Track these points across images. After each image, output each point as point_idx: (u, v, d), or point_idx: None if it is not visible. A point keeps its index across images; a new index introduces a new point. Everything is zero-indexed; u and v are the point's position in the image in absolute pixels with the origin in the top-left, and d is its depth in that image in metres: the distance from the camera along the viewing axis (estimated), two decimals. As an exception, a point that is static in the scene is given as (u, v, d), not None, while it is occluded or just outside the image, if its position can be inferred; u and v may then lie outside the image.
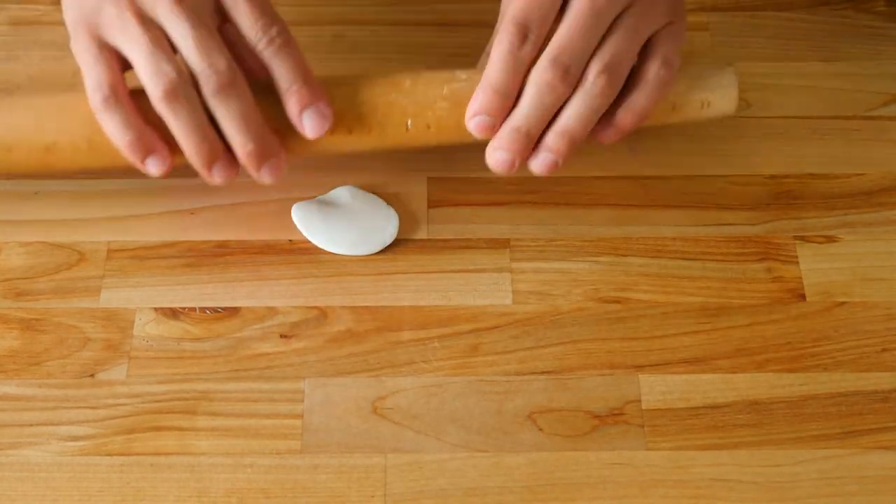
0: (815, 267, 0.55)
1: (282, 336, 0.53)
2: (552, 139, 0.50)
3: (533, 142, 0.50)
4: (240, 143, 0.50)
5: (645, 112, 0.51)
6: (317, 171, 0.58)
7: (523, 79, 0.49)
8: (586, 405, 0.51)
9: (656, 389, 0.51)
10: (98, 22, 0.49)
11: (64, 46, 0.56)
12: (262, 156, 0.50)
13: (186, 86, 0.48)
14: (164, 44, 0.48)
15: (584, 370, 0.52)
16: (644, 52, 0.50)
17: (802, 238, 0.56)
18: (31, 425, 0.50)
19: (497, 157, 0.51)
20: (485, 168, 0.58)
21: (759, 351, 0.53)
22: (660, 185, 0.58)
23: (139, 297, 0.54)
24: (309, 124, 0.50)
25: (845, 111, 0.61)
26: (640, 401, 0.51)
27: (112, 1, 0.49)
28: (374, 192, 0.57)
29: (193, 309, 0.54)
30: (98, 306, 0.54)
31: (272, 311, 0.54)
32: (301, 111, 0.50)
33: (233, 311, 0.54)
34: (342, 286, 0.55)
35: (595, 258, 0.55)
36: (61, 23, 0.57)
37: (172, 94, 0.48)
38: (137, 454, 0.49)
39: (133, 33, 0.48)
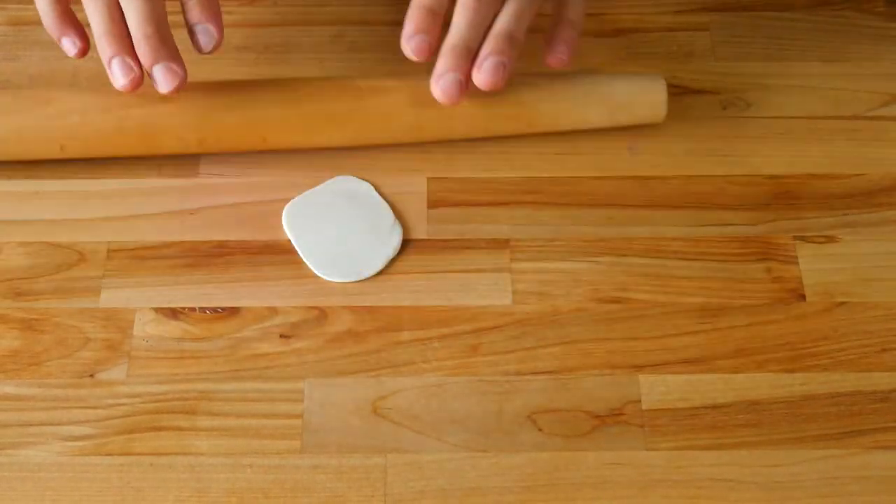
0: (815, 267, 0.55)
1: (282, 336, 0.53)
2: (491, 43, 0.52)
3: (472, 55, 0.52)
4: (138, 28, 0.52)
5: (575, 24, 0.54)
6: (317, 170, 0.58)
7: (449, 8, 0.52)
8: (586, 405, 0.51)
9: (656, 389, 0.51)
10: None
11: (64, 46, 0.56)
12: (160, 47, 0.52)
13: None
14: None
15: (584, 370, 0.52)
16: None
17: (802, 238, 0.56)
18: (31, 425, 0.50)
19: (444, 82, 0.51)
20: (485, 168, 0.58)
21: (759, 351, 0.53)
22: (660, 185, 0.58)
23: (139, 297, 0.54)
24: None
25: (845, 111, 0.61)
26: (640, 401, 0.51)
27: None
28: (377, 191, 0.57)
29: (193, 309, 0.54)
30: (98, 306, 0.54)
31: (272, 311, 0.54)
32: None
33: (233, 311, 0.54)
34: (342, 286, 0.55)
35: (595, 258, 0.55)
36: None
37: None
38: (137, 454, 0.49)
39: None
